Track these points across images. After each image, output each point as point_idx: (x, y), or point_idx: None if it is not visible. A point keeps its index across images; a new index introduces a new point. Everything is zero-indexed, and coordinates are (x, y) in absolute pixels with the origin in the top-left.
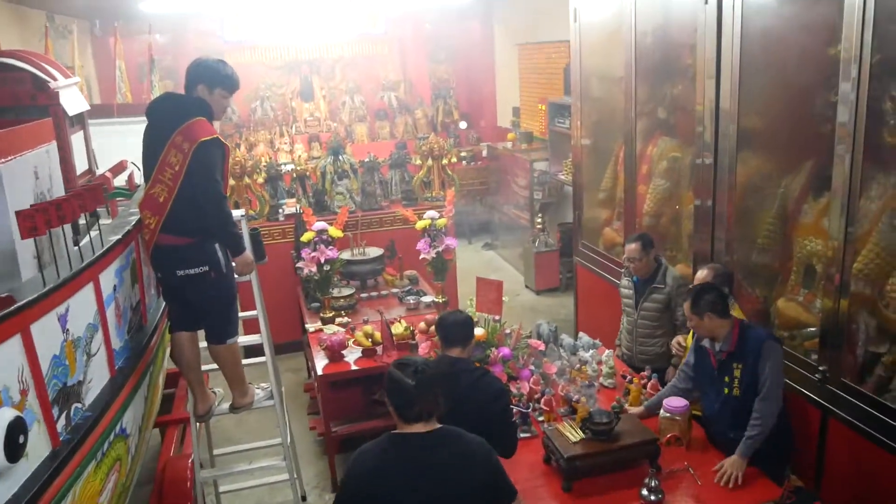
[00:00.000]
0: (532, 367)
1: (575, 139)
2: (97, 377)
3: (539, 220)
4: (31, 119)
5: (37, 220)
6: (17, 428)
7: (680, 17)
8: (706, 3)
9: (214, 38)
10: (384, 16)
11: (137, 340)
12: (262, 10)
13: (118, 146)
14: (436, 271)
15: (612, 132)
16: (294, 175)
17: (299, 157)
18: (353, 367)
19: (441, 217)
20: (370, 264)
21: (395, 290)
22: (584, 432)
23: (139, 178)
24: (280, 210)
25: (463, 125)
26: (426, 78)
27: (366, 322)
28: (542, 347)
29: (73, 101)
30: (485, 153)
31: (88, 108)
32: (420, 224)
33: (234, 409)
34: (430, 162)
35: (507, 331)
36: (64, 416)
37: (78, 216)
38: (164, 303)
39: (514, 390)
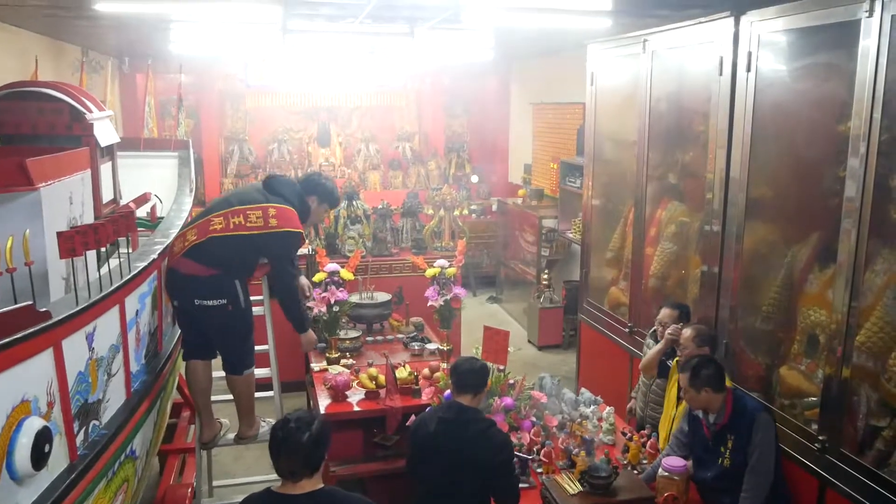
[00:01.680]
0: (533, 419)
1: (586, 199)
2: (114, 397)
3: (545, 276)
4: (65, 148)
5: (76, 241)
6: (44, 437)
7: (694, 86)
8: (720, 74)
9: (237, 81)
10: (404, 70)
11: (153, 366)
12: (284, 57)
13: (142, 178)
14: (442, 319)
15: (623, 194)
16: None
17: None
18: (356, 409)
19: (451, 266)
20: (377, 309)
21: (400, 336)
22: (582, 485)
23: (161, 211)
24: None
25: (474, 179)
26: (441, 131)
27: (370, 365)
28: (545, 400)
29: (105, 132)
30: (494, 207)
31: (119, 140)
32: (430, 272)
33: (239, 439)
34: (442, 212)
35: (511, 381)
36: (83, 431)
37: (113, 241)
38: (178, 331)
39: (514, 440)
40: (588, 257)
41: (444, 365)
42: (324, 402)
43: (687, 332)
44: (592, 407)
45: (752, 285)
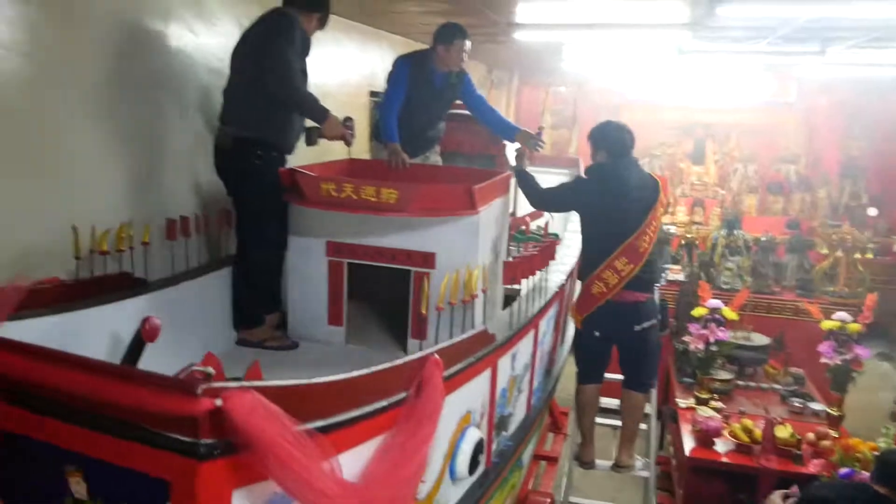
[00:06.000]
0: None
1: None
2: (518, 412)
3: None
4: (491, 171)
5: (518, 270)
6: (480, 446)
7: None
8: None
9: (613, 93)
10: (798, 85)
11: (546, 383)
12: (665, 71)
13: None
14: (836, 381)
15: None
16: (682, 241)
17: (682, 221)
18: (724, 460)
19: (854, 321)
20: (754, 352)
21: (776, 386)
22: None
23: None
24: (663, 274)
25: (872, 212)
26: (835, 154)
27: (742, 413)
28: None
29: (510, 150)
30: None
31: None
32: (827, 324)
33: (617, 467)
34: (838, 253)
35: None
36: (496, 442)
37: (537, 271)
38: (565, 351)
39: None
40: None
41: (833, 433)
42: (688, 444)
43: None
44: None
45: None
